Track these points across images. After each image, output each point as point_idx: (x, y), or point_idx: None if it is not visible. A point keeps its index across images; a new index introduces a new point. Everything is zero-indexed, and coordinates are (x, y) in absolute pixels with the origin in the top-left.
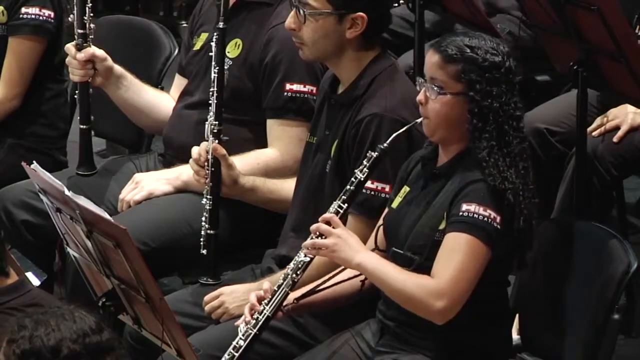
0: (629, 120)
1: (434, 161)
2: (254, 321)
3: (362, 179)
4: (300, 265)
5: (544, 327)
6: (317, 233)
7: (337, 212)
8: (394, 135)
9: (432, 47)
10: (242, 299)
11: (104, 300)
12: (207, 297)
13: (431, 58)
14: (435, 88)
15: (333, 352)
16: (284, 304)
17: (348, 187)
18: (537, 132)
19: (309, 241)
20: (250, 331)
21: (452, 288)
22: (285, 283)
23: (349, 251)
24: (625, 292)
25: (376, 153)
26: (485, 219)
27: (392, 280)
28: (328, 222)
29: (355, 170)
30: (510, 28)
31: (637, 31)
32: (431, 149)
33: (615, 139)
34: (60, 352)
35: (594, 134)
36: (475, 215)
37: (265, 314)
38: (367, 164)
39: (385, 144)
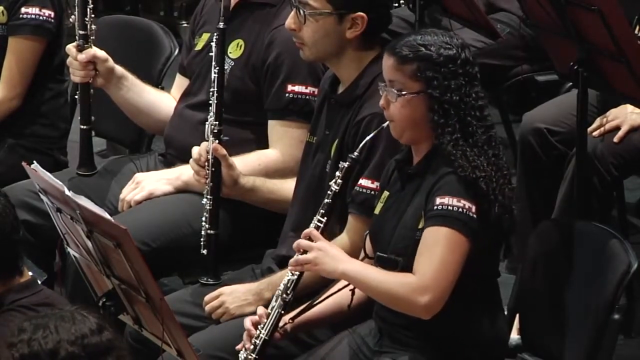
0: (630, 121)
1: (409, 163)
2: (253, 346)
3: (337, 191)
4: (289, 285)
5: (544, 327)
6: (301, 250)
7: (317, 227)
8: (364, 141)
9: (387, 50)
10: (242, 299)
11: (104, 300)
12: (207, 297)
13: (387, 61)
14: (394, 90)
15: (332, 352)
16: (280, 325)
17: (325, 200)
18: (537, 132)
19: (292, 259)
20: (250, 357)
21: (434, 282)
22: (277, 304)
23: (332, 262)
24: (626, 292)
25: (347, 163)
26: (460, 209)
27: (374, 282)
28: (310, 238)
29: (330, 183)
30: (510, 28)
31: (637, 31)
32: (405, 151)
33: (615, 139)
34: (58, 354)
35: (594, 134)
36: (449, 207)
37: (262, 337)
38: (340, 175)
39: (356, 153)
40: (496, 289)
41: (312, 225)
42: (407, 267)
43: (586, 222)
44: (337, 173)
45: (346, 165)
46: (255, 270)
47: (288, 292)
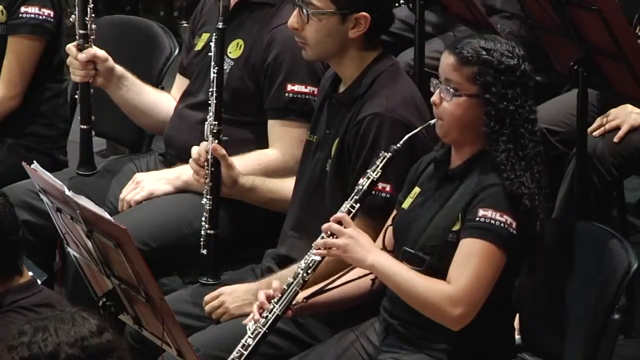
0: (630, 120)
1: (447, 163)
2: (264, 320)
3: (375, 179)
4: (311, 264)
5: (544, 327)
6: (329, 232)
7: (348, 212)
8: (407, 136)
9: (448, 48)
10: (242, 299)
11: (104, 300)
12: (207, 297)
13: (447, 60)
14: (450, 90)
15: (336, 352)
16: (293, 302)
17: (360, 187)
18: None
19: (320, 240)
20: (259, 330)
21: (469, 295)
22: (295, 282)
23: (362, 251)
24: (626, 292)
25: (389, 154)
26: (502, 224)
27: (406, 283)
28: (339, 222)
29: (368, 170)
30: (510, 28)
31: (637, 31)
32: (443, 151)
33: (615, 139)
34: (58, 357)
35: (594, 134)
36: (491, 221)
37: (275, 312)
38: (380, 164)
39: (398, 145)
40: (510, 300)
41: (343, 209)
42: (434, 266)
43: (586, 222)
44: (377, 162)
45: (388, 156)
46: (255, 270)
47: (309, 271)
